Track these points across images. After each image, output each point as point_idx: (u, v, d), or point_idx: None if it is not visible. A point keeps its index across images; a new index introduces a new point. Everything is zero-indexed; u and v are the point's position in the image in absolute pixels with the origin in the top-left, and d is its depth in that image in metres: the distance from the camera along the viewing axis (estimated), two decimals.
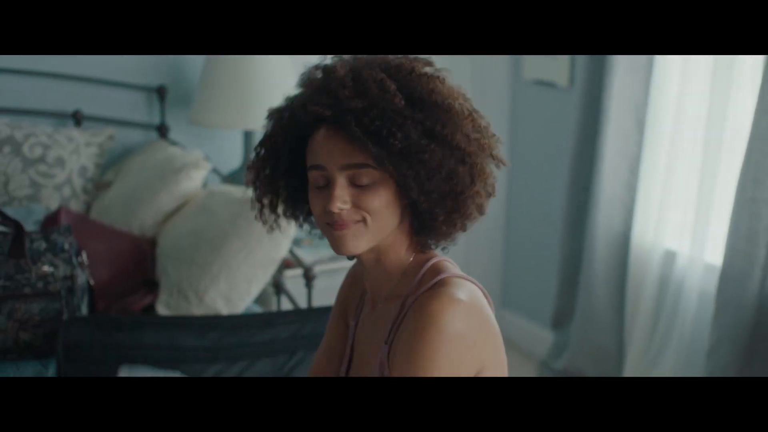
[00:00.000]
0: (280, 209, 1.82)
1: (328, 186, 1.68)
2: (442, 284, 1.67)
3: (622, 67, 3.76)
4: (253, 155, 1.81)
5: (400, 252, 1.76)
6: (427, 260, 1.75)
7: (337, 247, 1.70)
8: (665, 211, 3.75)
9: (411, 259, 1.76)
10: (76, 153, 3.75)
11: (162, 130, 4.08)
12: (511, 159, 4.65)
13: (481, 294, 1.72)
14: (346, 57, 1.74)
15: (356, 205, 1.66)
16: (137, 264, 3.35)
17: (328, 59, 1.74)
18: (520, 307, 4.68)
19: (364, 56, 1.73)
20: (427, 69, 1.74)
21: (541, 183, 4.49)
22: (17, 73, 3.82)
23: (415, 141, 1.62)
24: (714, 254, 3.55)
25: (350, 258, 1.83)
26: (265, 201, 1.81)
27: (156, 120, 4.11)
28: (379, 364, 1.70)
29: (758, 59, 3.32)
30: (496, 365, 1.70)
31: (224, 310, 3.13)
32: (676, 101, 3.66)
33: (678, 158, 3.68)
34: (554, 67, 4.32)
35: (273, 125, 1.78)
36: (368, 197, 1.66)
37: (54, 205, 3.67)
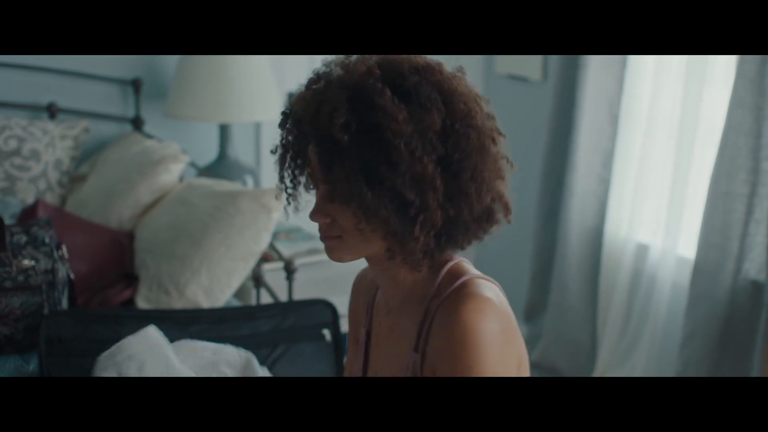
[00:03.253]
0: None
1: None
2: (465, 286, 1.67)
3: (596, 62, 3.79)
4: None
5: (405, 265, 1.74)
6: (445, 262, 1.74)
7: (327, 253, 1.74)
8: (638, 204, 3.79)
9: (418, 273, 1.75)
10: (52, 146, 3.74)
11: (137, 123, 4.07)
12: None
13: (499, 290, 1.73)
14: (352, 62, 1.69)
15: (333, 220, 1.68)
16: (116, 258, 3.35)
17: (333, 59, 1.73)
18: None
19: (371, 62, 1.68)
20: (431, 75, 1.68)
21: (515, 176, 4.50)
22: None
23: (352, 181, 1.61)
24: (687, 247, 3.59)
25: None
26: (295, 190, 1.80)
27: (131, 113, 4.10)
28: (411, 372, 1.70)
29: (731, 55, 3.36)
30: (523, 356, 1.72)
31: (205, 303, 3.14)
32: (650, 96, 3.70)
33: (651, 152, 3.72)
34: (527, 61, 4.35)
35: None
36: (341, 214, 1.67)
37: (29, 198, 3.65)
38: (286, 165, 1.75)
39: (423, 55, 1.71)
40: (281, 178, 1.77)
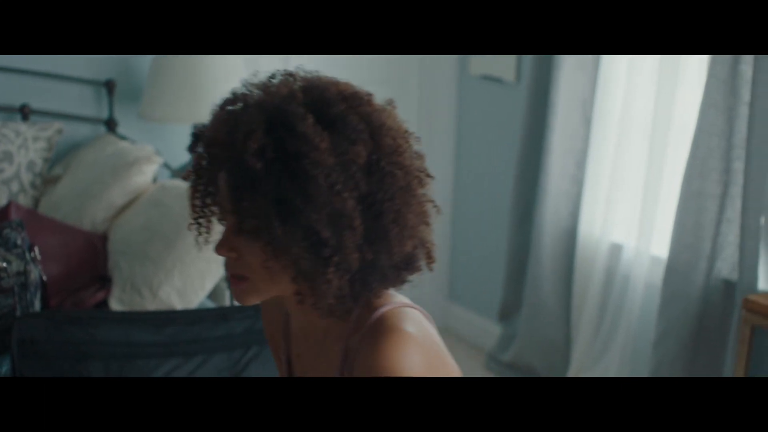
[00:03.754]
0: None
1: None
2: (383, 321, 1.55)
3: (569, 63, 3.81)
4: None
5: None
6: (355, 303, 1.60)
7: (234, 297, 1.63)
8: (612, 204, 3.81)
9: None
10: (24, 147, 3.72)
11: (110, 125, 4.05)
12: (458, 154, 4.70)
13: (422, 317, 1.62)
14: (275, 85, 1.58)
15: (239, 257, 1.56)
16: (89, 259, 3.34)
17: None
18: (467, 300, 4.72)
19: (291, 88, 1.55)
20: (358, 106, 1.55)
21: (488, 177, 4.53)
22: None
23: (262, 213, 1.49)
24: (660, 247, 3.61)
25: None
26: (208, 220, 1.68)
27: (104, 114, 4.09)
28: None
29: (704, 56, 3.38)
30: None
31: (178, 305, 3.13)
32: (623, 97, 3.72)
33: (625, 153, 3.74)
34: (501, 62, 4.36)
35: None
36: (247, 252, 1.55)
37: (2, 200, 3.64)
38: (197, 193, 1.61)
39: (352, 84, 1.58)
40: (192, 207, 1.63)
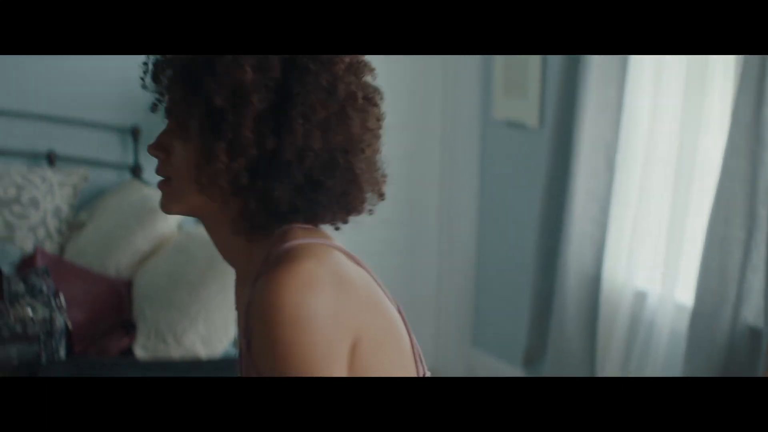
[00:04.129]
0: None
1: None
2: (284, 258, 1.45)
3: (592, 106, 3.81)
4: None
5: (230, 227, 1.55)
6: (282, 232, 1.52)
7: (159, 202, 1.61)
8: (636, 250, 3.79)
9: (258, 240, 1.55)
10: (50, 194, 3.75)
11: (136, 171, 4.08)
12: (482, 198, 4.70)
13: (337, 253, 1.51)
14: None
15: (167, 158, 1.56)
16: (114, 306, 3.35)
17: None
18: (491, 345, 4.70)
19: None
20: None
21: (512, 221, 4.53)
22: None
23: (178, 89, 1.52)
24: (685, 293, 3.59)
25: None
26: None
27: (130, 160, 4.12)
28: (243, 361, 1.54)
29: (727, 100, 3.38)
30: (378, 329, 1.51)
31: (203, 352, 3.13)
32: (646, 141, 3.71)
33: (648, 197, 3.72)
34: (524, 107, 4.37)
35: None
36: (173, 154, 1.55)
37: (28, 246, 3.66)
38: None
39: None
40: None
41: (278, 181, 1.48)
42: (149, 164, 4.12)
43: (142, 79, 1.60)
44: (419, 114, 4.67)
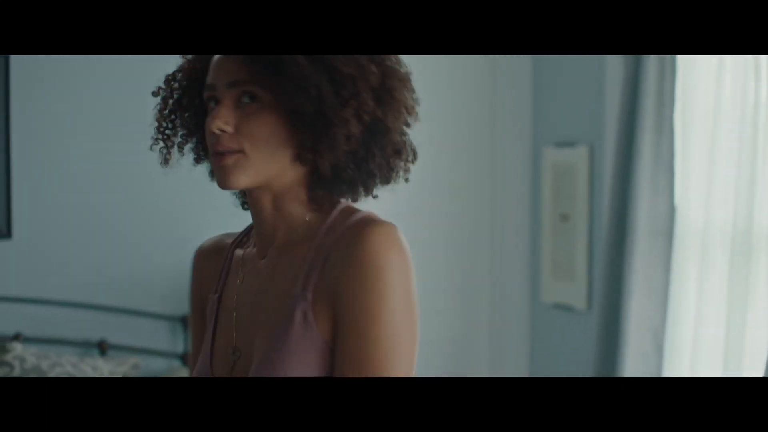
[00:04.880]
0: (186, 147, 1.76)
1: (214, 107, 1.64)
2: (366, 218, 1.59)
3: (639, 290, 3.80)
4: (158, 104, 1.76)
5: (301, 200, 1.66)
6: (334, 205, 1.66)
7: (219, 179, 1.62)
8: None
9: (313, 211, 1.66)
10: None
11: (185, 359, 4.12)
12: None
13: None
14: None
15: (238, 131, 1.59)
16: None
17: None
18: None
19: None
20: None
21: None
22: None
23: (306, 67, 1.57)
24: None
25: (241, 197, 1.79)
26: (174, 139, 1.74)
27: (180, 348, 4.16)
28: (300, 312, 1.56)
29: None
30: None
31: None
32: (694, 324, 3.69)
33: None
34: (572, 290, 4.37)
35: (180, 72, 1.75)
36: (250, 121, 1.59)
37: None
38: (170, 109, 1.70)
39: None
40: (161, 124, 1.71)
41: (365, 171, 1.63)
42: None
43: None
44: (468, 299, 4.69)
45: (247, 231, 1.82)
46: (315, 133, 1.58)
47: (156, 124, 1.73)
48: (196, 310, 1.84)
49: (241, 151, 1.59)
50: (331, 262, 1.56)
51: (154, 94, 1.74)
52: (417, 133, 1.71)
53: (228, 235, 1.85)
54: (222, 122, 1.58)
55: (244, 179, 1.61)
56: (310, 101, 1.56)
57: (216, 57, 1.64)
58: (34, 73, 3.93)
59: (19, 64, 3.90)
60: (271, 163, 1.61)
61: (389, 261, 1.52)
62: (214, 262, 1.81)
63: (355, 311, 1.52)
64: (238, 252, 1.78)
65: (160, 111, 1.73)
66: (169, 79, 1.74)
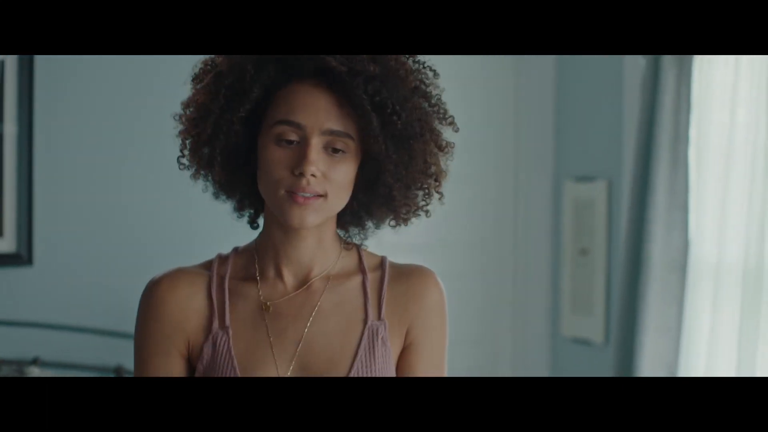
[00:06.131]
0: (217, 171, 1.73)
1: (296, 146, 1.63)
2: (420, 267, 1.83)
3: (653, 325, 3.77)
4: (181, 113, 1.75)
5: (335, 235, 1.79)
6: (346, 243, 1.82)
7: (295, 218, 1.64)
8: None
9: (342, 247, 1.80)
10: None
11: None
12: None
13: None
14: None
15: (325, 175, 1.63)
16: None
17: None
18: None
19: None
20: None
21: None
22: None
23: (412, 125, 1.66)
24: None
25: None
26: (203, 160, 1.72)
27: None
28: (380, 338, 1.74)
29: None
30: None
31: None
32: (706, 359, 3.67)
33: None
34: (590, 324, 4.36)
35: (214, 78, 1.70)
36: (338, 168, 1.64)
37: None
38: (206, 140, 1.68)
39: None
40: (196, 155, 1.72)
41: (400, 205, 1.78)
42: None
43: None
44: (489, 331, 4.69)
45: (225, 259, 1.84)
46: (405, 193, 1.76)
47: (191, 152, 1.73)
48: (167, 350, 1.76)
49: (323, 196, 1.65)
50: (399, 299, 1.78)
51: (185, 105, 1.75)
52: None
53: (184, 269, 1.85)
54: (315, 168, 1.62)
55: (319, 220, 1.67)
56: (418, 174, 1.74)
57: (304, 92, 1.64)
58: (59, 100, 4.00)
59: (43, 89, 3.95)
60: (339, 207, 1.70)
61: (446, 303, 1.81)
62: (194, 296, 1.78)
63: (430, 342, 1.78)
64: (238, 282, 1.79)
65: (197, 138, 1.71)
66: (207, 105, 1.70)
